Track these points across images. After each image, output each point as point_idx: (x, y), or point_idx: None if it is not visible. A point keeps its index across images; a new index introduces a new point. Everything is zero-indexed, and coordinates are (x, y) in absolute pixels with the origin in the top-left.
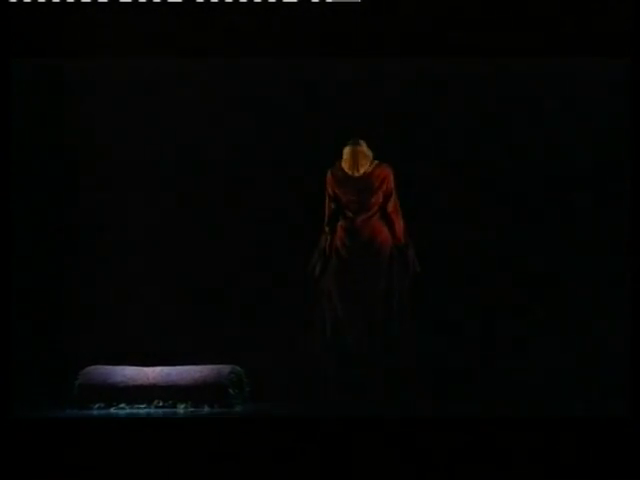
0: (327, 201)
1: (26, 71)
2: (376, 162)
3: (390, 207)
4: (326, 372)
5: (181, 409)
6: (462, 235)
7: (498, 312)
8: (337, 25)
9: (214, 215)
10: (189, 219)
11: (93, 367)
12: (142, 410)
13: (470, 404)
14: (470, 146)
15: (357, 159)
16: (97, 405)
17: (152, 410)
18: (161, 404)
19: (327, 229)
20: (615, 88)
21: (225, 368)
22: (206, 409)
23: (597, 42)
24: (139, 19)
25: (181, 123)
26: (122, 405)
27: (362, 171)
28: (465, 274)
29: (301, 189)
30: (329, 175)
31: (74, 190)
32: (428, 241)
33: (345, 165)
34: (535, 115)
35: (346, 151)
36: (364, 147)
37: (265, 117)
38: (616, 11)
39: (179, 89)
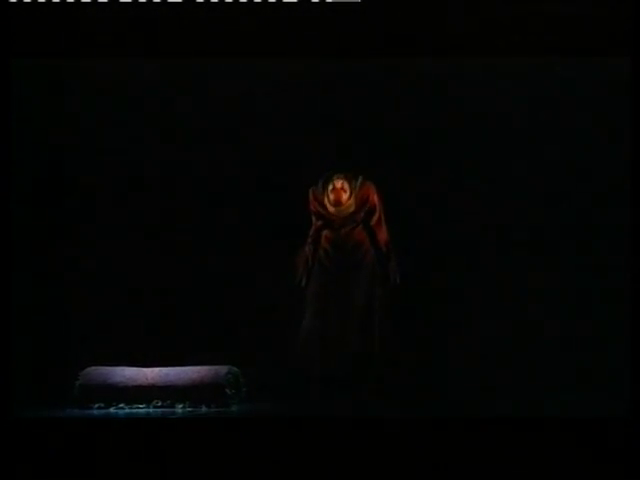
0: (313, 218)
1: (26, 71)
2: (360, 182)
3: (373, 221)
4: (310, 372)
5: (179, 409)
6: (460, 235)
7: (498, 312)
8: (337, 25)
9: (214, 215)
10: (189, 219)
11: (93, 368)
12: (141, 410)
13: (469, 404)
14: (469, 145)
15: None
16: (97, 405)
17: (151, 410)
18: (160, 404)
19: (310, 240)
20: (615, 88)
21: (222, 369)
22: (204, 409)
23: (597, 42)
24: (139, 19)
25: (180, 123)
26: (121, 405)
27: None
28: (464, 274)
29: (300, 190)
30: (311, 196)
31: (74, 190)
32: (424, 239)
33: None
34: (535, 115)
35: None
36: (347, 201)
37: (265, 117)
38: (616, 11)
39: (179, 89)
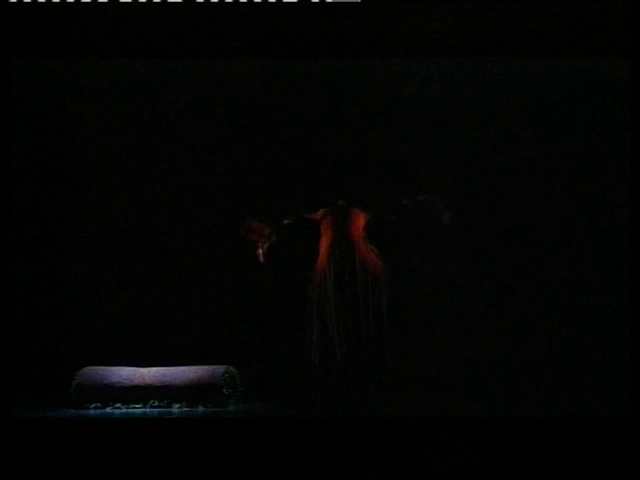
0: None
1: (26, 71)
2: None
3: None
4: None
5: (176, 409)
6: (462, 237)
7: (499, 312)
8: (337, 25)
9: (214, 215)
10: (189, 219)
11: (90, 367)
12: (138, 410)
13: (470, 405)
14: (469, 145)
15: None
16: (94, 405)
17: (147, 410)
18: (156, 404)
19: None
20: (615, 88)
21: (219, 368)
22: (200, 409)
23: (597, 42)
24: (139, 19)
25: (180, 122)
26: (118, 405)
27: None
28: (464, 275)
29: (299, 191)
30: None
31: (74, 190)
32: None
33: None
34: (535, 114)
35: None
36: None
37: (265, 117)
38: (616, 11)
39: (178, 89)
